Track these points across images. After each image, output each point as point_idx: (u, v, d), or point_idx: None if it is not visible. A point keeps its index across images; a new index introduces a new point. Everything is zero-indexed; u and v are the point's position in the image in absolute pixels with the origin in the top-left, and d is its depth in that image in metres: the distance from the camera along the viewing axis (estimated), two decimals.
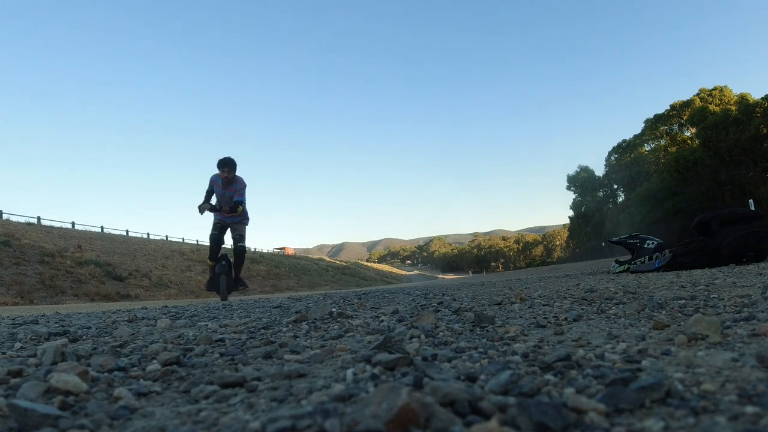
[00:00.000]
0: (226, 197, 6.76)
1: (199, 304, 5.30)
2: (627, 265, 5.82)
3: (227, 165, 6.63)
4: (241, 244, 6.92)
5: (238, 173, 6.91)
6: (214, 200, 6.92)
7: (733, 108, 31.21)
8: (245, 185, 6.89)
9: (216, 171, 6.80)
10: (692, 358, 0.83)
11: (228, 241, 7.15)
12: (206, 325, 2.01)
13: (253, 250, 38.30)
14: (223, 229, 6.88)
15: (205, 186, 6.90)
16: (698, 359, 0.82)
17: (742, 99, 32.41)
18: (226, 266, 6.69)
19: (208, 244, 7.06)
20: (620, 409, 0.59)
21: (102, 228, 25.38)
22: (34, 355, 1.18)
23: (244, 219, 7.01)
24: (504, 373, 0.75)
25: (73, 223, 23.78)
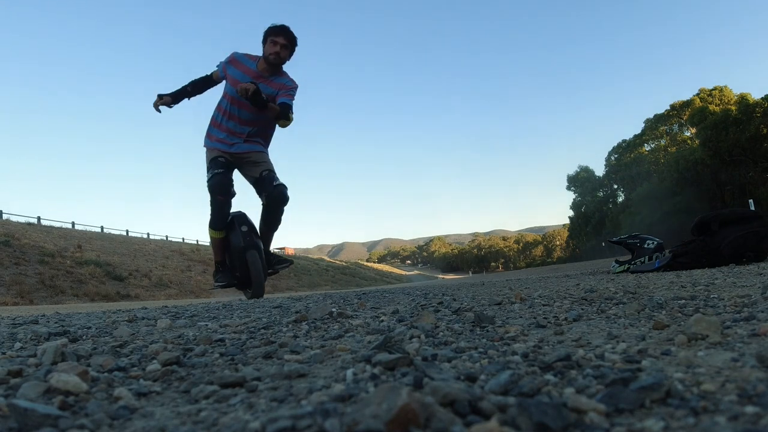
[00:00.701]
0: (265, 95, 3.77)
1: (199, 304, 5.30)
2: (627, 265, 5.82)
3: (285, 33, 3.79)
4: (278, 183, 3.88)
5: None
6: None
7: (733, 108, 31.21)
8: (296, 86, 3.90)
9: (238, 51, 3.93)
10: (692, 358, 0.83)
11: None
12: (206, 325, 2.01)
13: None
14: (231, 167, 3.93)
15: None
16: (698, 359, 0.82)
17: (742, 99, 32.41)
18: (251, 234, 3.91)
19: (209, 197, 3.84)
20: (620, 409, 0.59)
21: (102, 228, 25.39)
22: (34, 355, 1.17)
23: (266, 143, 4.11)
24: (504, 373, 0.74)
25: (73, 223, 23.80)
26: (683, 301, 1.74)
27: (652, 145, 40.55)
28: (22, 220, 20.25)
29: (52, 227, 20.55)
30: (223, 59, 3.99)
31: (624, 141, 42.61)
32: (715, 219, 5.22)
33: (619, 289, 2.52)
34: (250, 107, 3.75)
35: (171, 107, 3.91)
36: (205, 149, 4.01)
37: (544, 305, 1.99)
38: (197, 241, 31.91)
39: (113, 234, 25.07)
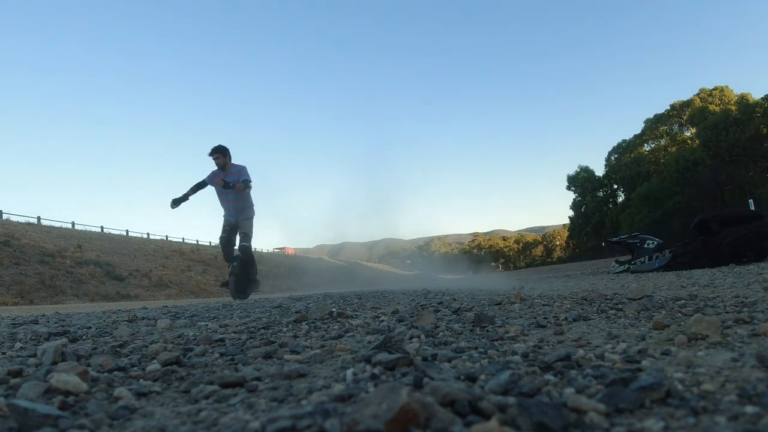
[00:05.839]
0: (230, 182, 6.57)
1: (199, 304, 5.29)
2: (627, 265, 5.82)
3: (217, 151, 6.58)
4: (243, 243, 6.83)
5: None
6: (216, 196, 6.65)
7: (733, 108, 31.23)
8: (245, 167, 6.73)
9: (214, 169, 6.70)
10: (692, 358, 0.83)
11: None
12: (206, 325, 2.01)
13: (253, 250, 38.27)
14: (233, 230, 6.82)
15: (199, 178, 6.72)
16: (698, 359, 0.82)
17: (742, 99, 32.43)
18: (238, 267, 6.70)
19: (220, 246, 7.05)
20: (620, 409, 0.59)
21: (102, 228, 25.36)
22: (34, 355, 1.18)
23: (249, 212, 6.86)
24: (504, 373, 0.74)
25: (73, 223, 23.76)
26: (683, 301, 1.74)
27: (652, 145, 40.53)
28: (22, 220, 20.21)
29: (52, 227, 20.52)
30: (208, 174, 6.72)
31: (624, 141, 42.58)
32: (715, 219, 5.23)
33: (618, 289, 2.52)
34: (230, 194, 6.58)
35: (179, 204, 6.57)
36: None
37: (544, 305, 1.99)
38: (197, 241, 31.89)
39: (113, 234, 25.03)
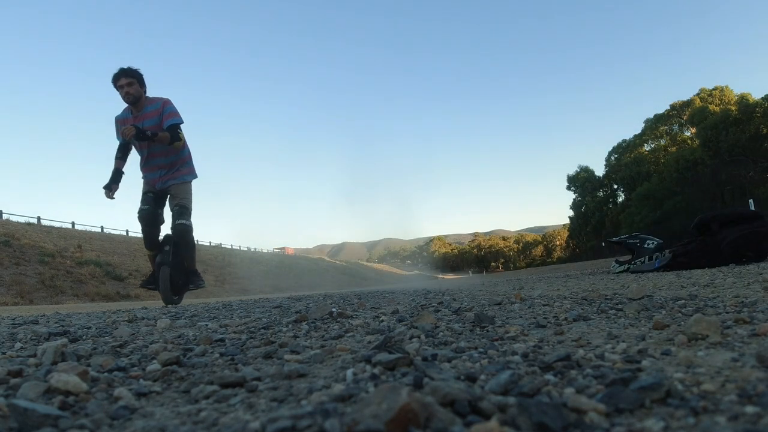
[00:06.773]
0: (147, 129, 4.24)
1: (199, 304, 5.30)
2: (627, 265, 5.82)
3: (127, 74, 4.22)
4: (180, 221, 4.46)
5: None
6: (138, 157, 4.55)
7: (733, 108, 31.26)
8: (168, 100, 4.42)
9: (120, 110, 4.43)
10: (692, 358, 0.83)
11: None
12: (206, 325, 2.01)
13: (253, 250, 38.26)
14: (160, 199, 4.56)
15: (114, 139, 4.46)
16: (698, 359, 0.82)
17: (742, 99, 32.48)
18: (170, 254, 4.51)
19: (140, 226, 4.52)
20: (620, 409, 0.59)
21: (102, 228, 25.35)
22: (34, 355, 1.18)
23: (184, 173, 4.60)
24: (504, 373, 0.74)
25: (73, 223, 23.76)
26: (683, 301, 1.74)
27: (652, 145, 40.62)
28: (22, 220, 20.19)
29: (52, 227, 20.50)
30: (115, 123, 4.55)
31: (624, 141, 42.66)
32: (715, 219, 5.23)
33: (619, 289, 2.52)
34: (150, 144, 4.29)
35: (114, 196, 4.45)
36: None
37: (544, 305, 1.99)
38: (197, 241, 31.87)
39: (113, 234, 25.03)
